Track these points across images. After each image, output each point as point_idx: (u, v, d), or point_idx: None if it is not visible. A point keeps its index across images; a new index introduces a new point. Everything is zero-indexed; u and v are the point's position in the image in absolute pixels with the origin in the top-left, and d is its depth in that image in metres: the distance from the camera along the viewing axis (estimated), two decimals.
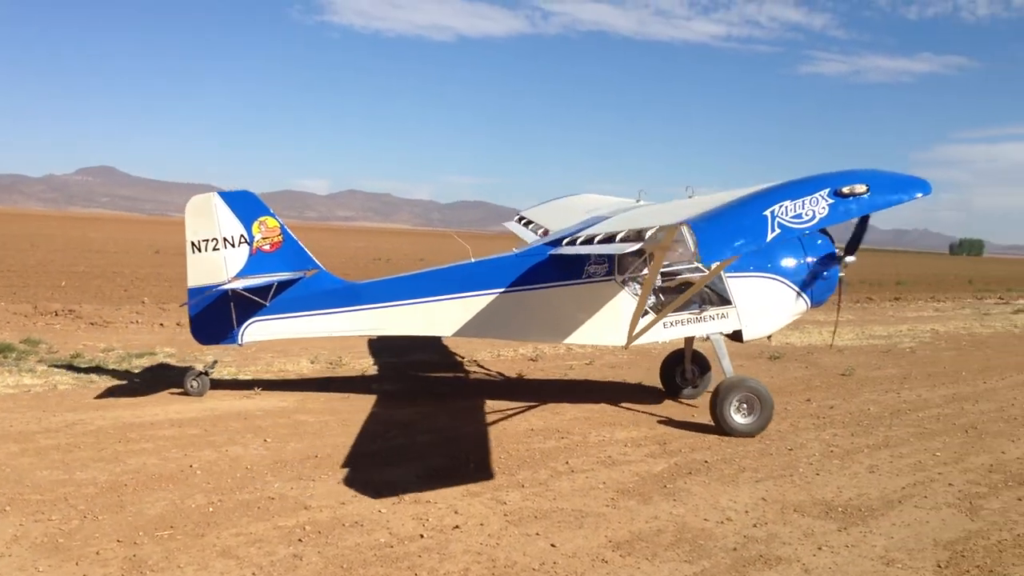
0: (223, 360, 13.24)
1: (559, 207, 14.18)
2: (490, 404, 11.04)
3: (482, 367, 13.82)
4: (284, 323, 10.53)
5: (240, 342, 10.60)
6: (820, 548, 6.63)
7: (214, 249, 10.43)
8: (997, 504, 7.91)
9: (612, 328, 10.53)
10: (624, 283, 10.53)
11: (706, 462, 8.85)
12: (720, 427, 10.06)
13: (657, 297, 10.70)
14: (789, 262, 10.71)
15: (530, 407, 10.95)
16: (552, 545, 6.44)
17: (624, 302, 10.50)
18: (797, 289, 10.87)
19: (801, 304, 10.97)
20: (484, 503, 7.33)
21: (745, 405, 10.11)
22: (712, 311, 10.69)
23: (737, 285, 10.77)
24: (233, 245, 10.47)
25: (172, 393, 10.89)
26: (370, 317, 10.47)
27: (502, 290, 10.42)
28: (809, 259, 10.75)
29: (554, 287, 10.46)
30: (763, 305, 10.84)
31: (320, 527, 6.61)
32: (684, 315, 10.62)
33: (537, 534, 6.66)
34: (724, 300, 10.75)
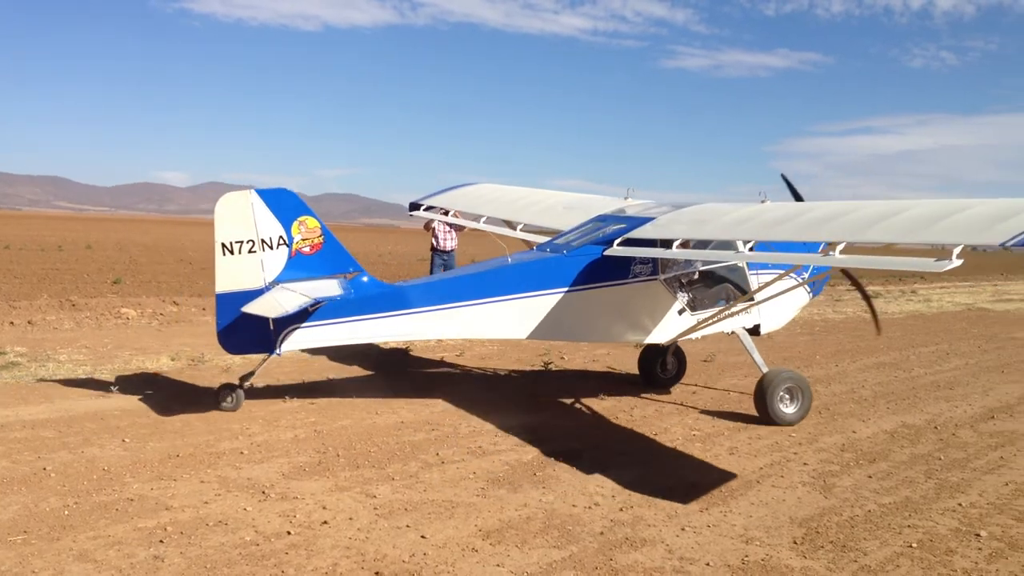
0: (75, 359, 12.72)
1: (471, 196, 14.57)
2: (361, 398, 10.92)
3: (355, 360, 13.66)
4: (328, 329, 9.72)
5: (278, 351, 9.70)
6: (683, 529, 6.82)
7: (250, 251, 9.54)
8: (849, 482, 8.28)
9: (655, 326, 10.94)
10: (666, 282, 10.87)
11: (575, 449, 8.98)
12: (768, 419, 10.42)
13: (690, 295, 11.07)
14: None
15: (402, 399, 10.89)
16: (422, 536, 6.43)
17: (666, 301, 10.91)
18: (802, 279, 11.52)
19: (806, 297, 11.86)
20: (353, 497, 7.26)
21: (788, 395, 10.57)
22: (736, 307, 11.06)
23: (756, 281, 11.26)
24: (272, 247, 9.61)
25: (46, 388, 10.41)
26: (422, 321, 9.95)
27: (563, 290, 10.36)
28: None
29: (607, 287, 10.60)
30: (776, 299, 11.30)
31: (182, 527, 6.43)
32: (714, 311, 11.02)
33: (407, 526, 6.64)
34: (749, 296, 11.14)
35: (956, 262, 7.18)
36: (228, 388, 10.10)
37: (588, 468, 8.35)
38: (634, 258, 10.50)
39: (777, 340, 17.87)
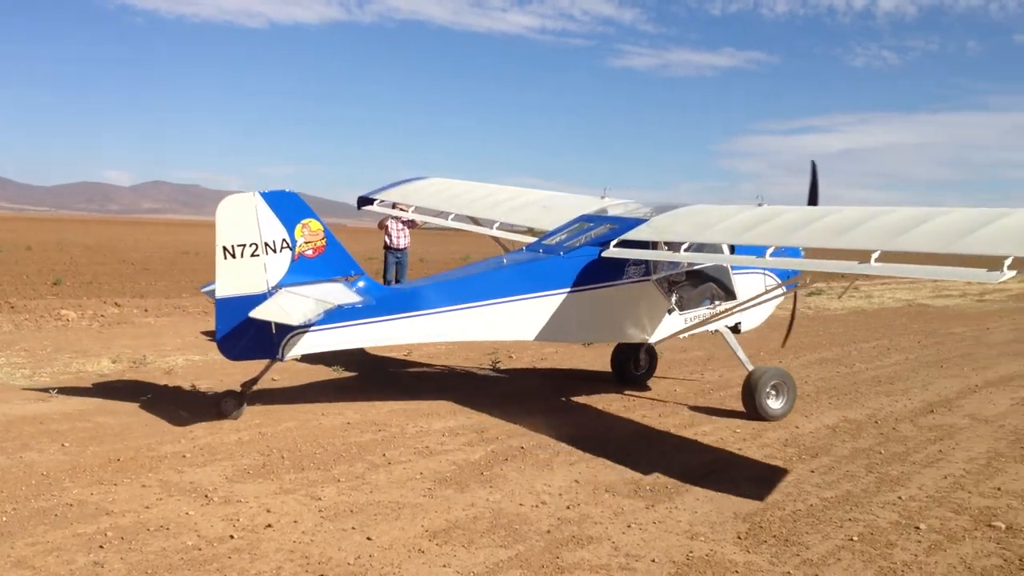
0: (14, 362, 12.45)
1: (429, 191, 14.51)
2: (305, 399, 10.83)
3: (301, 361, 13.54)
4: (334, 334, 9.57)
5: (281, 357, 9.50)
6: (629, 526, 6.87)
7: (253, 255, 9.20)
8: (791, 477, 8.39)
9: (647, 325, 11.26)
10: (658, 283, 11.16)
11: (522, 448, 8.99)
12: (756, 415, 10.69)
13: (679, 296, 11.38)
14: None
15: (348, 400, 10.81)
16: (368, 538, 6.39)
17: (659, 302, 11.23)
18: (780, 282, 11.84)
19: (780, 295, 12.11)
20: (298, 500, 7.19)
21: (774, 392, 10.86)
22: (721, 307, 11.53)
23: (739, 281, 11.72)
24: (275, 250, 9.30)
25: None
26: (431, 323, 9.85)
27: (566, 291, 10.53)
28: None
29: (605, 288, 10.79)
30: (750, 295, 11.60)
31: (123, 532, 6.32)
32: (701, 311, 11.48)
33: (353, 528, 6.60)
34: (731, 295, 11.64)
35: (1008, 273, 7.22)
36: (231, 396, 9.89)
37: (536, 467, 8.37)
38: (628, 259, 10.68)
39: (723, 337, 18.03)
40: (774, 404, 10.84)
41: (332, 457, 8.44)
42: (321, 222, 9.68)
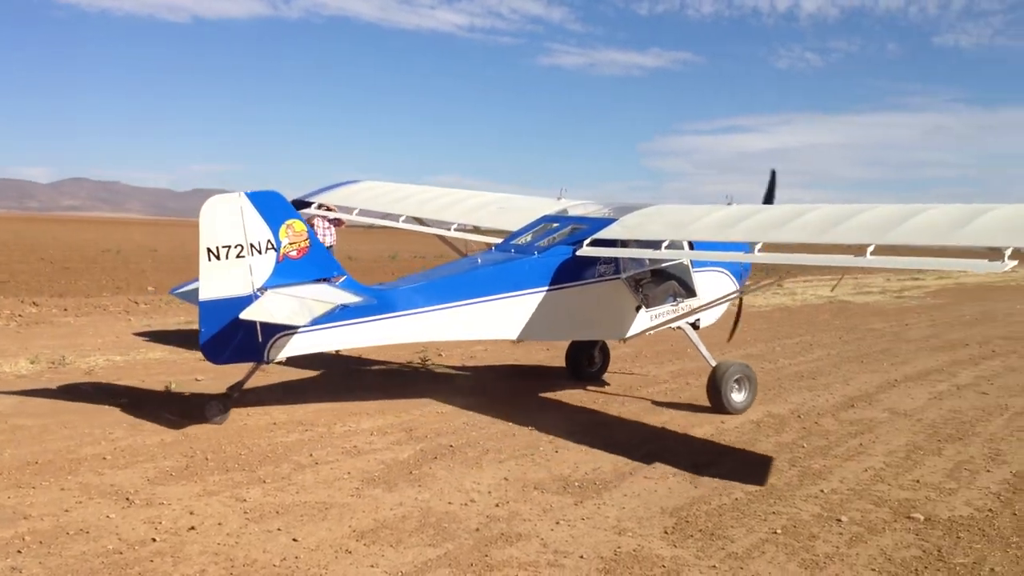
0: None
1: (370, 194, 14.50)
2: (230, 399, 10.64)
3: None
4: (318, 335, 9.40)
5: (266, 359, 9.34)
6: (558, 523, 6.89)
7: (238, 256, 9.00)
8: (717, 471, 8.49)
9: (618, 323, 11.48)
10: (626, 281, 11.34)
11: (451, 446, 8.96)
12: (721, 408, 11.01)
13: (643, 293, 11.52)
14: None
15: (273, 400, 10.67)
16: (294, 540, 6.31)
17: (628, 299, 11.41)
18: (735, 279, 12.39)
19: (735, 289, 12.48)
20: (222, 502, 7.07)
21: (738, 385, 11.18)
22: (684, 303, 11.80)
23: (699, 278, 11.99)
24: (260, 252, 9.10)
25: None
26: (410, 324, 9.77)
27: (544, 289, 10.68)
28: None
29: (579, 286, 10.98)
30: (713, 294, 12.06)
31: (42, 537, 6.15)
32: (665, 308, 11.71)
33: (279, 529, 6.51)
34: (692, 293, 11.88)
35: (1010, 263, 7.68)
36: (216, 401, 9.71)
37: (465, 465, 8.35)
38: (600, 258, 10.87)
39: (651, 335, 18.22)
40: (738, 397, 11.16)
41: (257, 458, 8.31)
42: (305, 223, 9.52)
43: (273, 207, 9.23)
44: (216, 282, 8.95)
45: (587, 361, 13.13)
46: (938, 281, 38.13)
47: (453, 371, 13.48)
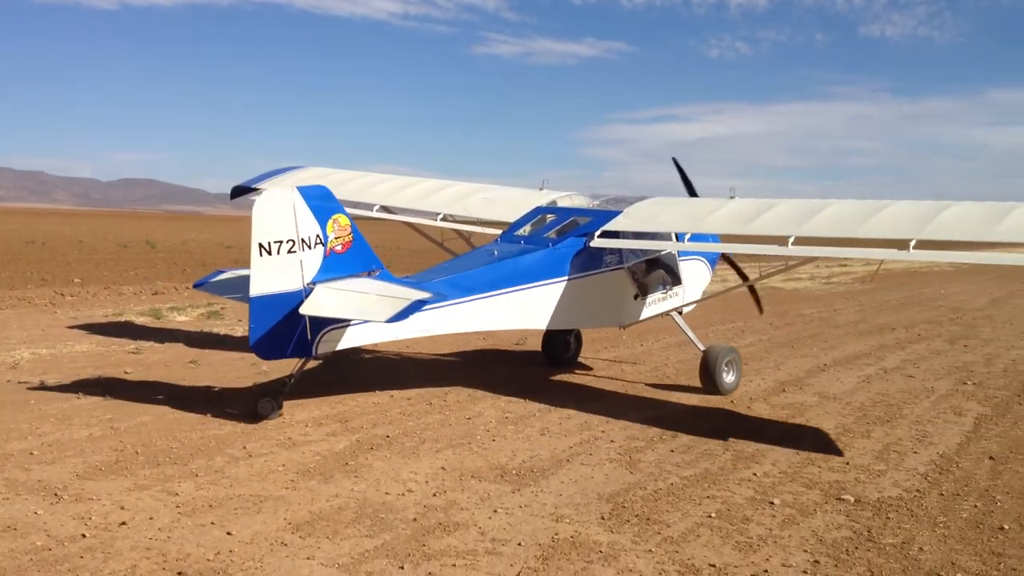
0: None
1: (323, 182, 14.15)
2: (161, 392, 10.46)
3: (155, 354, 13.10)
4: (364, 328, 9.50)
5: (315, 353, 9.33)
6: (496, 511, 6.88)
7: (290, 251, 8.98)
8: (653, 456, 8.57)
9: (622, 311, 12.01)
10: (628, 271, 11.85)
11: (387, 436, 8.90)
12: (714, 389, 11.53)
13: (640, 282, 12.03)
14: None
15: (206, 392, 10.50)
16: (228, 533, 6.21)
17: (629, 288, 11.93)
18: (710, 266, 13.30)
19: (710, 277, 13.37)
20: (154, 496, 6.93)
21: (727, 367, 11.71)
22: (672, 291, 12.48)
23: (683, 267, 12.67)
24: (310, 246, 9.12)
25: None
26: (451, 314, 9.83)
27: (565, 278, 11.08)
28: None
29: (592, 276, 11.43)
30: (696, 282, 13.02)
31: None
32: (658, 296, 12.31)
33: (212, 523, 6.40)
34: (678, 280, 12.55)
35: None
36: (270, 397, 9.60)
37: (401, 455, 8.30)
38: (606, 249, 11.39)
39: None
40: (728, 378, 11.71)
41: (189, 451, 8.17)
42: (349, 217, 9.57)
43: (321, 202, 9.30)
44: (268, 278, 8.94)
45: (563, 347, 13.53)
46: (865, 267, 38.89)
47: (387, 361, 13.39)
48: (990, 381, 13.09)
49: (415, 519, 6.64)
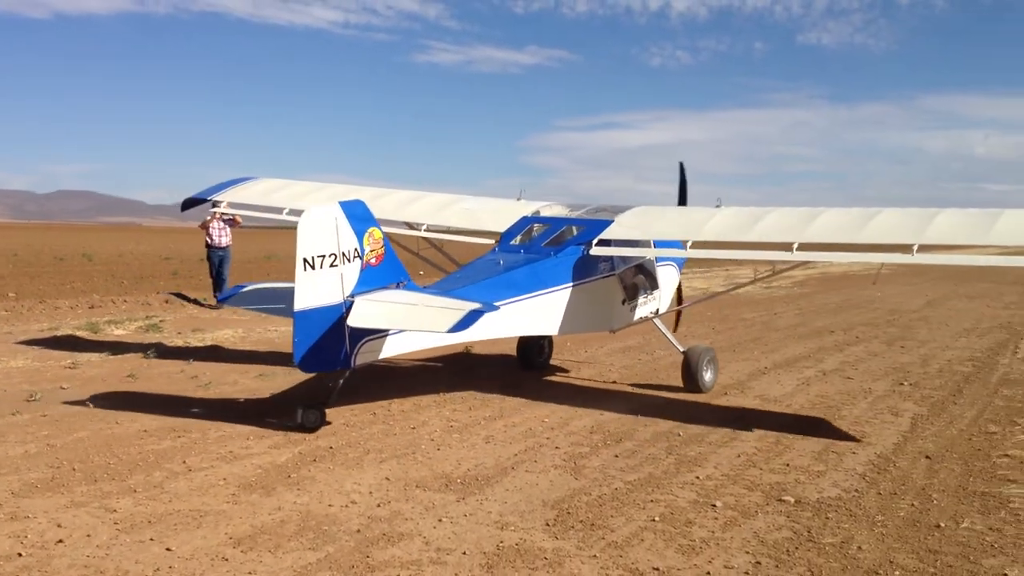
0: None
1: (288, 193, 14.27)
2: (98, 406, 10.27)
3: (93, 368, 12.85)
4: (400, 339, 9.77)
5: (353, 365, 9.41)
6: (440, 520, 6.86)
7: (331, 265, 9.09)
8: (597, 462, 8.61)
9: (614, 315, 12.51)
10: (619, 277, 12.33)
11: (331, 448, 8.84)
12: (696, 388, 12.13)
13: (627, 288, 12.55)
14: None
15: (144, 406, 10.33)
16: (168, 549, 6.11)
17: (619, 294, 12.43)
18: (679, 270, 13.92)
19: (679, 282, 14.05)
20: (91, 513, 6.80)
21: (708, 367, 12.32)
22: (652, 295, 13.08)
23: (660, 272, 13.25)
24: (349, 260, 9.26)
25: None
26: (483, 321, 9.67)
27: (570, 285, 11.46)
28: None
29: (591, 282, 11.84)
30: (669, 286, 13.65)
31: None
32: (641, 300, 12.88)
33: (151, 539, 6.29)
34: (656, 285, 13.15)
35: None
36: (315, 409, 9.65)
37: (345, 466, 8.25)
38: (601, 256, 11.76)
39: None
40: (708, 376, 12.31)
41: (127, 467, 8.03)
42: (381, 230, 9.74)
43: (359, 216, 9.47)
44: (312, 292, 9.01)
45: (537, 351, 13.99)
46: (804, 271, 39.47)
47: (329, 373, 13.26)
48: (926, 381, 13.36)
49: (359, 530, 6.60)
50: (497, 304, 10.00)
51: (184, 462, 8.22)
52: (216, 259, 21.91)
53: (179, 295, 23.72)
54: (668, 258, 13.27)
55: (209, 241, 21.88)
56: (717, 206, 11.92)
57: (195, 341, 15.96)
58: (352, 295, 9.22)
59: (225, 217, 21.59)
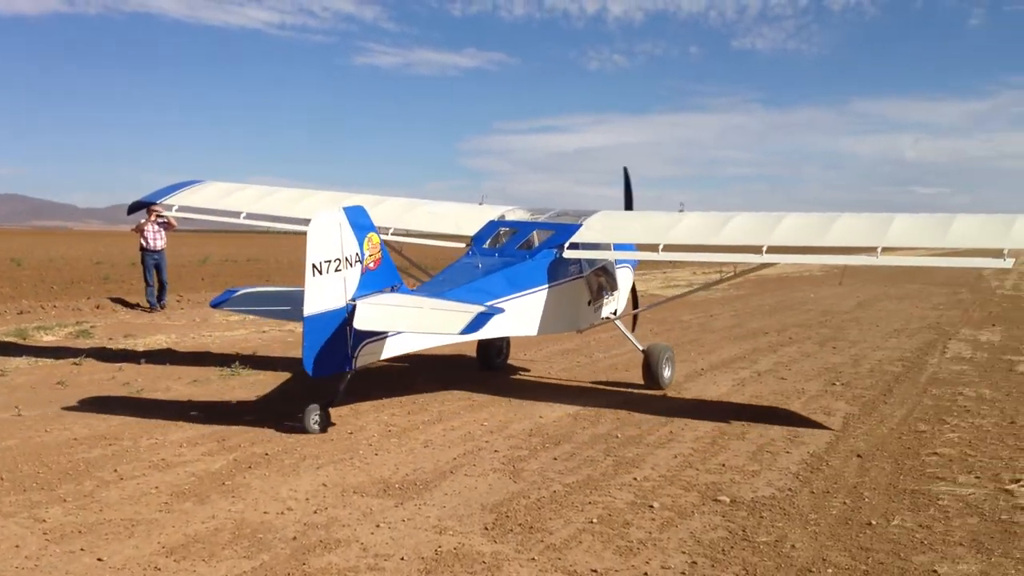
0: None
1: (243, 198, 14.30)
2: (27, 413, 10.04)
3: (20, 375, 12.54)
4: (398, 340, 10.06)
5: (354, 367, 9.69)
6: (378, 526, 6.82)
7: (336, 270, 9.31)
8: (536, 465, 8.63)
9: (580, 316, 12.90)
10: (586, 279, 12.71)
11: (266, 454, 8.73)
12: (656, 384, 12.62)
13: (592, 290, 12.92)
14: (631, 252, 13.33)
15: (75, 413, 10.11)
16: (99, 559, 5.99)
17: (586, 295, 12.82)
18: (633, 270, 14.33)
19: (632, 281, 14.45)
20: (19, 523, 6.64)
21: (666, 364, 12.80)
22: (612, 296, 13.48)
23: (619, 274, 13.68)
24: (351, 264, 9.51)
25: None
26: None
27: (546, 287, 11.81)
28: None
29: (564, 283, 12.20)
30: (625, 287, 14.01)
31: None
32: (603, 301, 13.24)
33: (82, 549, 6.16)
34: (615, 287, 13.54)
35: (1009, 261, 9.98)
36: (322, 411, 9.77)
37: (281, 473, 8.15)
38: (570, 259, 12.10)
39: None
40: (668, 373, 12.82)
41: (57, 476, 7.85)
42: (379, 234, 9.95)
43: (359, 221, 9.70)
44: (319, 297, 9.21)
45: (496, 352, 14.31)
46: (720, 273, 39.96)
47: (268, 378, 13.12)
48: (857, 381, 13.62)
49: (295, 538, 6.52)
50: (493, 305, 10.34)
51: (115, 470, 8.06)
52: (151, 262, 21.63)
53: (119, 300, 23.26)
54: (624, 260, 13.74)
55: (144, 244, 21.57)
56: (680, 210, 12.45)
57: (127, 347, 15.67)
58: (353, 299, 9.40)
59: (160, 220, 21.34)
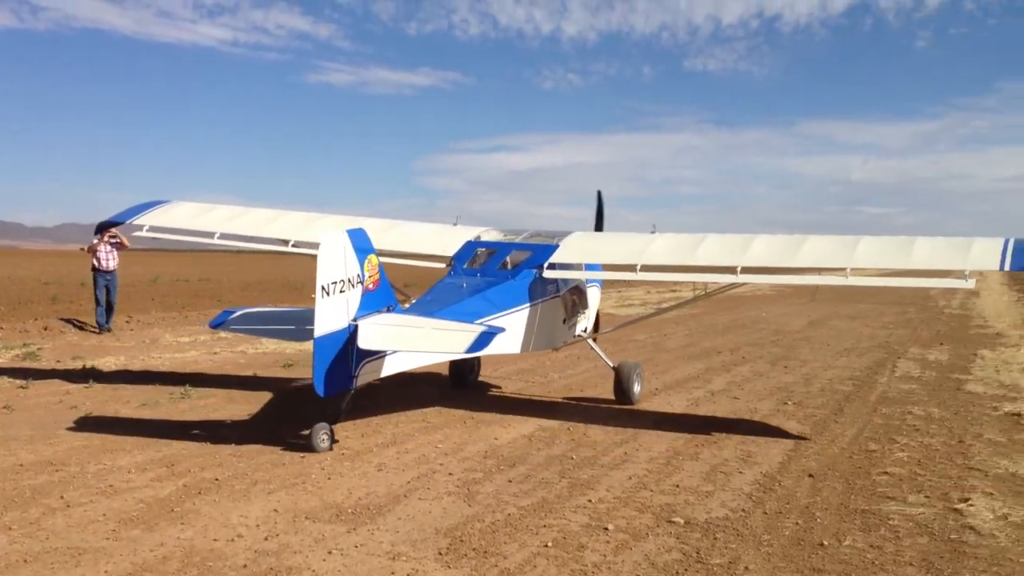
0: None
1: (217, 217, 14.35)
2: None
3: None
4: (396, 358, 10.30)
5: (355, 386, 9.96)
6: (330, 552, 6.73)
7: (340, 291, 9.51)
8: (491, 488, 8.59)
9: (557, 334, 13.24)
10: (562, 298, 13.02)
11: (217, 480, 8.60)
12: (628, 400, 13.02)
13: (567, 309, 13.28)
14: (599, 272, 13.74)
15: (20, 439, 9.91)
16: None
17: (562, 313, 13.14)
18: (600, 289, 14.71)
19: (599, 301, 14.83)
20: None
21: (637, 379, 13.24)
22: (584, 314, 13.91)
23: (589, 292, 14.07)
24: (353, 285, 9.71)
25: None
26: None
27: (527, 305, 12.16)
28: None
29: (543, 302, 12.53)
30: (594, 305, 14.44)
31: None
32: (577, 319, 13.65)
33: None
34: (587, 305, 13.98)
35: (971, 282, 10.62)
36: (327, 431, 9.91)
37: (231, 498, 8.03)
38: (548, 278, 12.49)
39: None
40: (637, 388, 13.22)
41: (2, 503, 7.67)
42: (377, 256, 10.25)
43: (361, 243, 9.90)
44: (327, 318, 9.38)
45: (468, 369, 14.56)
46: (691, 293, 40.27)
47: (214, 400, 12.95)
48: (809, 401, 13.75)
49: (245, 565, 6.42)
50: (489, 324, 10.73)
51: (62, 497, 7.90)
52: (103, 283, 21.31)
53: (69, 320, 22.85)
54: (594, 280, 14.08)
55: (96, 264, 21.26)
56: (652, 232, 12.87)
57: (75, 368, 15.40)
58: (355, 319, 9.57)
59: (113, 240, 21.08)
